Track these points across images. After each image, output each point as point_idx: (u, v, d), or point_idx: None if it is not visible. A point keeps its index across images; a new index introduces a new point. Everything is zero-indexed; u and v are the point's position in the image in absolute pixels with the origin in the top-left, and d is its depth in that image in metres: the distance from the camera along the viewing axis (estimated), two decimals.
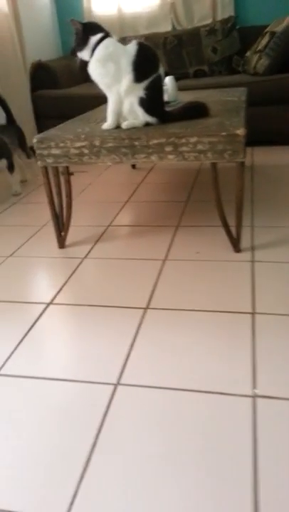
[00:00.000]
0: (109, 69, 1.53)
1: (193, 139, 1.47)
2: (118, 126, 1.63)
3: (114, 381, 1.07)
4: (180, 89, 2.25)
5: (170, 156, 1.52)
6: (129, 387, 1.05)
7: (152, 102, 1.58)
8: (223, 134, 1.44)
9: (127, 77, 1.54)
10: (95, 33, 1.54)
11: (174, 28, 3.72)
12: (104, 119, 1.69)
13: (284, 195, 2.17)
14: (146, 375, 1.08)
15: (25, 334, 1.29)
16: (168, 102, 1.96)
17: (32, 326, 1.32)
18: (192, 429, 0.92)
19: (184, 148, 1.49)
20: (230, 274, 1.52)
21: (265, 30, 3.07)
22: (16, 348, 1.23)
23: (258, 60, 3.00)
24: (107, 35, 1.54)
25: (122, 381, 1.07)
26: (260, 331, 1.21)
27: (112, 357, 1.16)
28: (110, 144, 1.54)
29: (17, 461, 0.89)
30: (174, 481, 0.82)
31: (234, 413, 0.95)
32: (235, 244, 1.65)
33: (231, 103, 1.96)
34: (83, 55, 1.56)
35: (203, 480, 0.81)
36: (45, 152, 1.61)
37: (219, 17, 3.55)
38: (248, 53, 3.23)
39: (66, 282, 1.56)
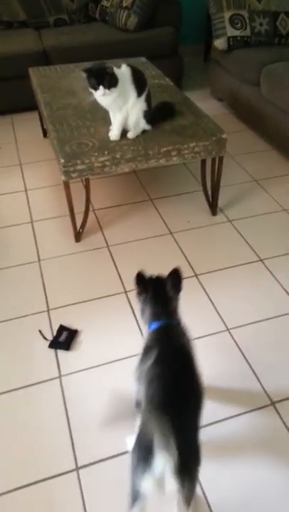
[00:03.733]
0: (120, 94, 1.81)
1: (192, 144, 1.95)
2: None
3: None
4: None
5: (174, 158, 1.97)
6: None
7: (149, 112, 1.94)
8: (214, 138, 1.97)
9: (132, 94, 1.85)
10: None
11: None
12: (86, 119, 1.97)
13: None
14: None
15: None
16: None
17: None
18: None
19: (185, 152, 1.96)
20: (221, 234, 2.18)
21: None
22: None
23: (127, 17, 3.28)
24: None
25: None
26: (274, 270, 1.96)
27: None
28: (129, 155, 1.89)
29: None
30: None
31: None
32: (214, 210, 2.28)
33: (168, 89, 2.39)
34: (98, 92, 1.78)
35: None
36: (71, 169, 1.84)
37: None
38: (105, 3, 3.43)
39: (117, 270, 1.97)
